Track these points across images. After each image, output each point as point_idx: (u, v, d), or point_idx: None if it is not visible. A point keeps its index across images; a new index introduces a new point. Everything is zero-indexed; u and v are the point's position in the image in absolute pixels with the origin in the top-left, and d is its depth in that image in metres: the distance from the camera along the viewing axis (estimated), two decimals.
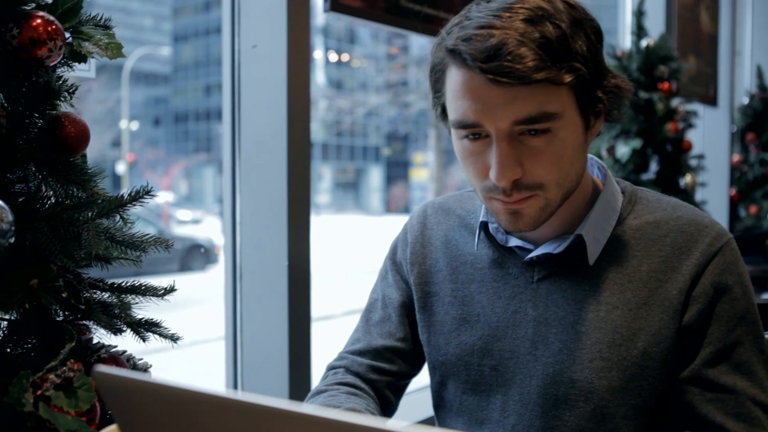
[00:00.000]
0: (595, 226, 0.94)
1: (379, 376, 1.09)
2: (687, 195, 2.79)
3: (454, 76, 0.86)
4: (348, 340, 1.16)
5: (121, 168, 25.97)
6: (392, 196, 40.63)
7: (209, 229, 19.34)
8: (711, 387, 0.90)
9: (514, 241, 1.00)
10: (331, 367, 1.14)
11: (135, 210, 0.93)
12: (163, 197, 27.01)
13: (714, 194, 3.95)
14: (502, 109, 0.83)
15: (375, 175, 42.48)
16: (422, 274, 1.07)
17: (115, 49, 0.91)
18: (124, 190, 0.90)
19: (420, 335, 1.08)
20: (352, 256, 14.76)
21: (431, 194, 15.62)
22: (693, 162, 2.88)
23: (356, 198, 42.00)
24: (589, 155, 1.00)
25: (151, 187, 0.89)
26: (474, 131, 0.87)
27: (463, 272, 1.03)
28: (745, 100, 4.51)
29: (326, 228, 22.90)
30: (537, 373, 0.95)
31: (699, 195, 3.25)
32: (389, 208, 39.39)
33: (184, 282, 10.74)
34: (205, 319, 7.77)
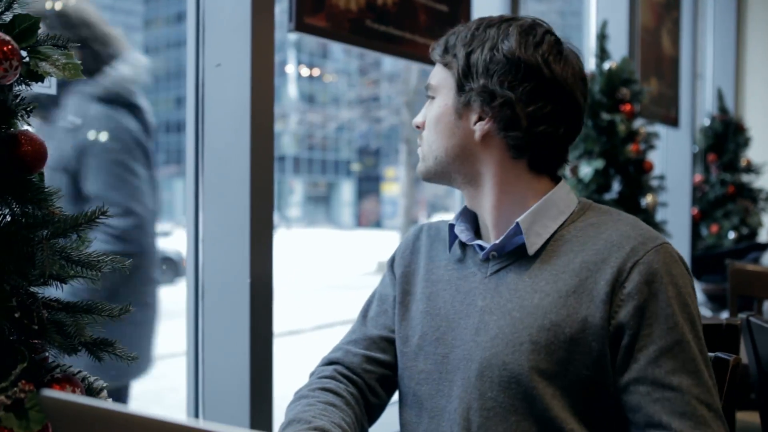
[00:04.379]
0: (535, 219, 1.04)
1: (373, 366, 1.15)
2: (648, 214, 2.84)
3: None
4: (345, 335, 1.22)
5: None
6: (363, 210, 40.64)
7: (179, 241, 19.12)
8: (657, 386, 0.93)
9: (475, 241, 1.10)
10: (325, 362, 1.19)
11: (99, 223, 0.92)
12: None
13: (676, 213, 4.02)
14: None
15: (346, 190, 42.47)
16: (405, 275, 1.18)
17: (72, 69, 0.91)
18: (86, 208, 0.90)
19: (395, 326, 1.15)
20: (323, 270, 14.71)
21: (402, 209, 15.69)
22: (654, 182, 2.93)
23: (327, 212, 41.92)
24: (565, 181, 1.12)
25: (107, 208, 0.89)
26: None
27: (435, 273, 1.13)
28: (707, 122, 4.61)
29: (297, 242, 22.80)
30: (476, 358, 1.02)
31: (660, 215, 3.30)
32: (360, 222, 39.37)
33: None
34: (172, 332, 7.68)
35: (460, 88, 1.05)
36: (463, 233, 1.11)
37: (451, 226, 1.13)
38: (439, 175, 1.11)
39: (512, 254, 1.05)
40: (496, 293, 1.04)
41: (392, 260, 1.22)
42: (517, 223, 1.03)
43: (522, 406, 0.97)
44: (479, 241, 1.09)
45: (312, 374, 1.18)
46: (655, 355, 0.94)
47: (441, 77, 1.10)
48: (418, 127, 1.14)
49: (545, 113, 1.02)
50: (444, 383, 1.05)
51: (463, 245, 1.13)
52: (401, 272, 1.18)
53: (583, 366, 0.96)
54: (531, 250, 1.03)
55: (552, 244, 1.03)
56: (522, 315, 1.00)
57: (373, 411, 1.16)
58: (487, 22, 1.06)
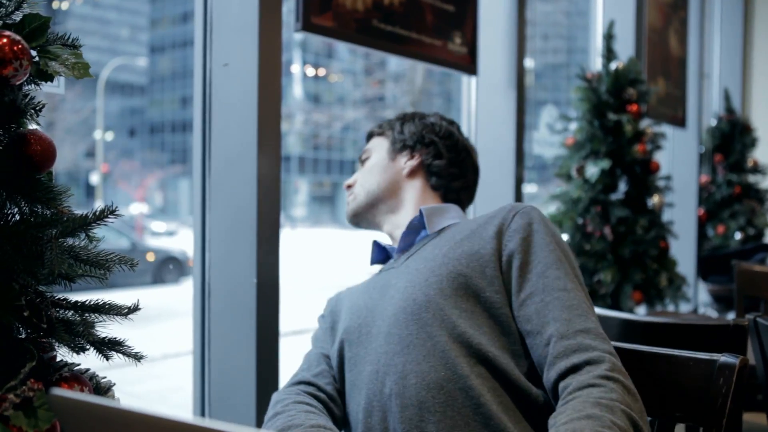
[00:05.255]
0: (434, 212, 1.29)
1: (331, 379, 1.23)
2: (654, 215, 2.83)
3: None
4: (295, 372, 1.28)
5: (95, 178, 25.65)
6: None
7: (184, 241, 19.12)
8: (548, 291, 1.09)
9: (394, 246, 1.35)
10: (288, 385, 1.24)
11: (108, 222, 0.93)
12: (137, 209, 26.70)
13: (682, 214, 4.01)
14: None
15: None
16: (333, 313, 1.34)
17: (82, 69, 0.91)
18: (96, 204, 0.90)
19: (330, 350, 1.27)
20: (327, 270, 14.70)
21: None
22: (661, 183, 2.92)
23: (332, 212, 41.92)
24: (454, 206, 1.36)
25: (116, 207, 0.89)
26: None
27: (357, 295, 1.29)
28: (713, 122, 4.59)
29: (302, 241, 22.81)
30: (390, 312, 1.16)
31: (667, 215, 3.29)
32: None
33: (158, 295, 10.61)
34: (177, 332, 7.69)
35: (394, 142, 1.40)
36: (383, 246, 1.37)
37: (375, 242, 1.36)
38: (368, 207, 1.38)
39: (418, 244, 1.27)
40: (406, 268, 1.22)
41: (321, 316, 1.38)
42: (421, 211, 1.28)
43: (433, 330, 1.10)
44: (394, 246, 1.34)
45: (274, 396, 1.22)
46: (542, 269, 1.11)
47: (377, 143, 1.42)
48: (349, 186, 1.41)
49: (457, 161, 1.39)
50: (370, 354, 1.16)
51: (382, 257, 1.37)
52: (329, 311, 1.34)
53: (480, 289, 1.12)
54: (431, 229, 1.27)
55: (448, 227, 1.26)
56: (425, 265, 1.18)
57: (337, 425, 1.21)
58: (412, 113, 1.44)
